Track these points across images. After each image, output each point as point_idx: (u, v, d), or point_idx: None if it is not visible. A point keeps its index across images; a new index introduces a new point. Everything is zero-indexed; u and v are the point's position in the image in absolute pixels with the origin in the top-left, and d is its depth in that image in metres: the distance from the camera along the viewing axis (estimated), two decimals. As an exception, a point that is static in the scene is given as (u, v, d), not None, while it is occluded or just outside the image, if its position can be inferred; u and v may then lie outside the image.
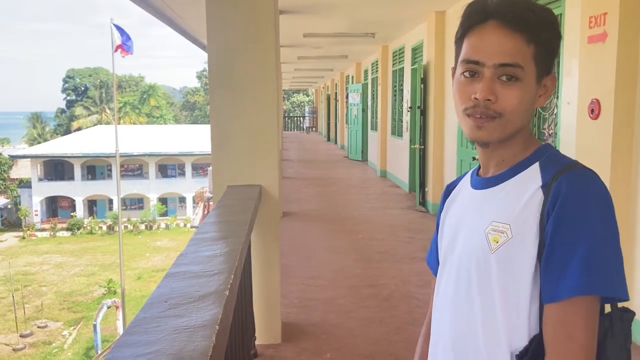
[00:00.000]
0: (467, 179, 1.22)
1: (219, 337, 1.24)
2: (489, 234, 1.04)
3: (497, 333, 1.02)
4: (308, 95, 51.42)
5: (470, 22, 1.05)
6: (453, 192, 1.24)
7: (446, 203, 1.25)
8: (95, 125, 47.41)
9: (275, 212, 3.63)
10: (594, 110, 3.62)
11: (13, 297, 21.50)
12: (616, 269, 0.96)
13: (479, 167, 1.17)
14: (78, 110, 52.95)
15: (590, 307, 0.95)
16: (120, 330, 18.22)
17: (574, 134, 3.92)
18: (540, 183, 1.03)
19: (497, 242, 1.02)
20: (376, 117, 13.07)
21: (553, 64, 1.08)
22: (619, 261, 0.97)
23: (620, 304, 1.02)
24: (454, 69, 1.11)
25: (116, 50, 19.00)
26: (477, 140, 1.08)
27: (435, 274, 1.30)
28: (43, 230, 34.89)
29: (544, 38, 1.03)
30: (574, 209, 0.96)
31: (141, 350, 1.13)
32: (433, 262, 1.30)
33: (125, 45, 19.05)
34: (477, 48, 1.03)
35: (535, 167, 1.06)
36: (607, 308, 1.03)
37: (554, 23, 1.05)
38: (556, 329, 0.96)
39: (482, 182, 1.13)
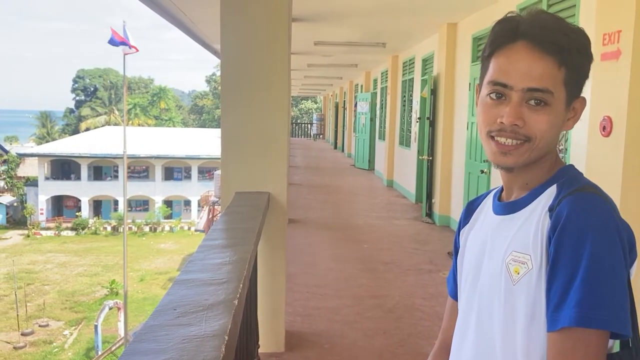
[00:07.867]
0: (489, 200, 1.17)
1: (228, 348, 1.23)
2: (510, 264, 1.00)
3: None
4: (316, 103, 51.46)
5: (500, 42, 1.01)
6: (475, 212, 1.20)
7: (468, 223, 1.20)
8: (103, 126, 47.63)
9: (282, 220, 3.62)
10: (606, 127, 3.60)
11: (16, 295, 21.54)
12: (615, 302, 0.90)
13: (502, 190, 1.14)
14: (87, 110, 53.28)
15: (591, 341, 0.90)
16: (122, 332, 18.21)
17: (585, 151, 3.90)
18: (549, 206, 0.99)
19: (519, 274, 0.99)
20: (384, 127, 13.05)
21: (583, 87, 1.04)
22: (617, 291, 0.91)
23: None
24: (479, 86, 1.08)
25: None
26: (502, 166, 1.04)
27: (451, 294, 1.28)
28: (48, 229, 35.00)
29: (575, 62, 0.99)
30: (572, 235, 0.92)
31: (150, 359, 1.12)
32: (451, 282, 1.28)
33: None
34: (505, 70, 0.99)
35: (553, 189, 1.03)
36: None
37: (587, 46, 1.01)
38: (555, 358, 0.93)
39: (502, 208, 1.09)
